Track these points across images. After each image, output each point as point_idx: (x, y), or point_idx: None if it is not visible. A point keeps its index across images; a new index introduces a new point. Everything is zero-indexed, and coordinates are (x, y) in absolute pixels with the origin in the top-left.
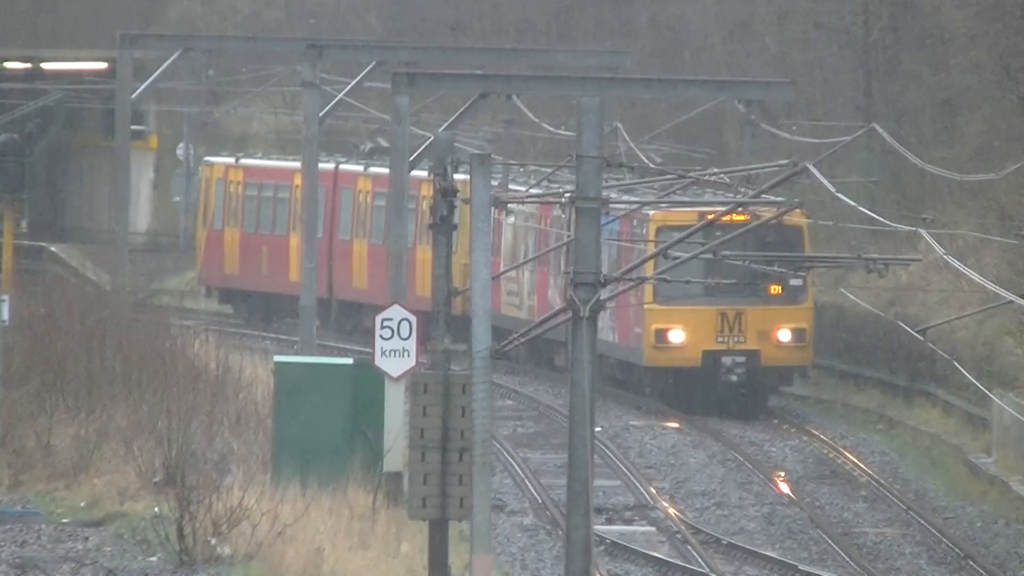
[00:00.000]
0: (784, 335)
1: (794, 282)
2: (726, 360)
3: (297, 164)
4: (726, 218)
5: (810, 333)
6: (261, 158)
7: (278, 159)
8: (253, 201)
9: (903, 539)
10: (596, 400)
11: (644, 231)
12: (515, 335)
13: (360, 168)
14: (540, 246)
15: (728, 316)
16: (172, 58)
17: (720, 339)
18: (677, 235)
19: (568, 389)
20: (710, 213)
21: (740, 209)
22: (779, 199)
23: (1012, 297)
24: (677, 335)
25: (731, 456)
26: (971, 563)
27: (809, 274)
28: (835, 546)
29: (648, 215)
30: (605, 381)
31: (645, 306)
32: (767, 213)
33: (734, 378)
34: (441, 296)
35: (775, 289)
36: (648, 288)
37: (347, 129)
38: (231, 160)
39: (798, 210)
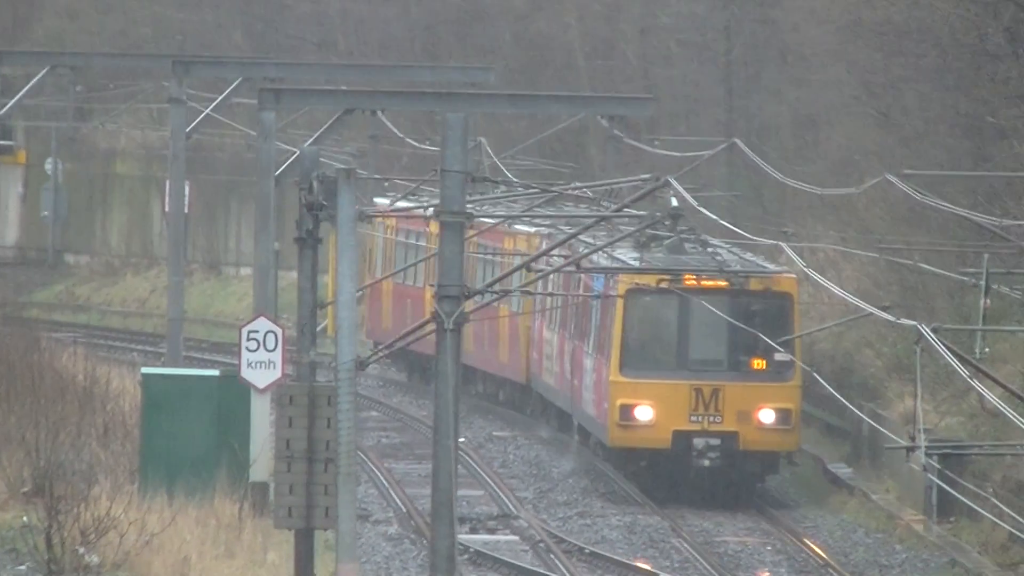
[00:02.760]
0: (767, 416)
1: (779, 357)
2: (699, 442)
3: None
4: (708, 283)
5: (796, 414)
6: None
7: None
8: (401, 249)
9: (764, 547)
10: (461, 412)
11: (614, 290)
12: (381, 347)
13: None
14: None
15: (703, 392)
16: (40, 75)
17: (693, 418)
18: (649, 299)
19: (432, 400)
20: (688, 276)
21: (722, 275)
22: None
23: (872, 309)
24: (645, 412)
25: (593, 467)
26: (831, 571)
27: (797, 351)
28: (696, 554)
29: (620, 276)
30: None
31: (610, 379)
32: (755, 279)
33: (707, 463)
34: (306, 309)
35: (758, 364)
36: (615, 359)
37: (214, 144)
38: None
39: (789, 276)
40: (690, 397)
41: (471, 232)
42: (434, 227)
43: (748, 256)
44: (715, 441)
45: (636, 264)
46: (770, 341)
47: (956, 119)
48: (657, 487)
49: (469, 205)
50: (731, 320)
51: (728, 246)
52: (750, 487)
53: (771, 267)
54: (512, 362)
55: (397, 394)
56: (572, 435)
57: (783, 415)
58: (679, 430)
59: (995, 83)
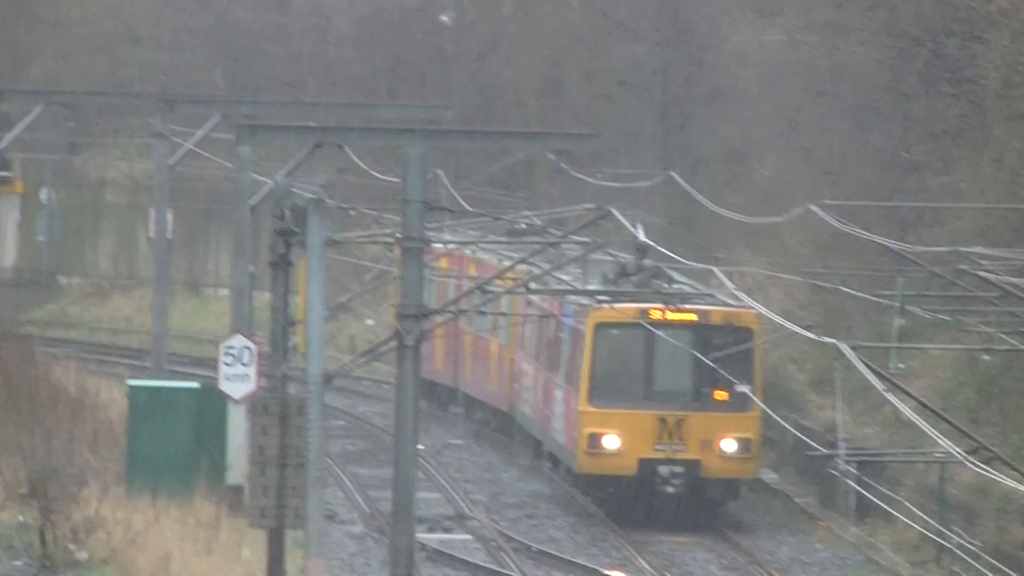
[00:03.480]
0: (728, 445)
1: (740, 388)
2: (663, 470)
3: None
4: (672, 315)
5: (756, 444)
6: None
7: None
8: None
9: (696, 546)
10: (420, 421)
11: (583, 324)
12: (350, 359)
13: (441, 246)
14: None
15: (668, 422)
16: (36, 111)
17: (658, 447)
18: (616, 332)
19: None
20: (653, 310)
21: (684, 306)
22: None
23: (796, 328)
24: (612, 441)
25: (541, 472)
26: (757, 569)
27: (757, 383)
28: (635, 553)
29: (589, 310)
30: (555, 477)
31: (579, 408)
32: (716, 313)
33: (671, 489)
34: (278, 327)
35: (720, 395)
36: (583, 390)
37: (195, 175)
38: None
39: (750, 311)
40: (655, 426)
41: (444, 262)
42: (444, 263)
43: (711, 292)
44: (679, 468)
45: (606, 299)
46: (727, 375)
47: (873, 154)
48: (623, 512)
49: (437, 233)
50: (696, 353)
51: (692, 283)
52: (712, 512)
53: (732, 303)
54: (499, 391)
55: (362, 404)
56: (544, 462)
57: (744, 444)
58: (645, 458)
59: (908, 121)
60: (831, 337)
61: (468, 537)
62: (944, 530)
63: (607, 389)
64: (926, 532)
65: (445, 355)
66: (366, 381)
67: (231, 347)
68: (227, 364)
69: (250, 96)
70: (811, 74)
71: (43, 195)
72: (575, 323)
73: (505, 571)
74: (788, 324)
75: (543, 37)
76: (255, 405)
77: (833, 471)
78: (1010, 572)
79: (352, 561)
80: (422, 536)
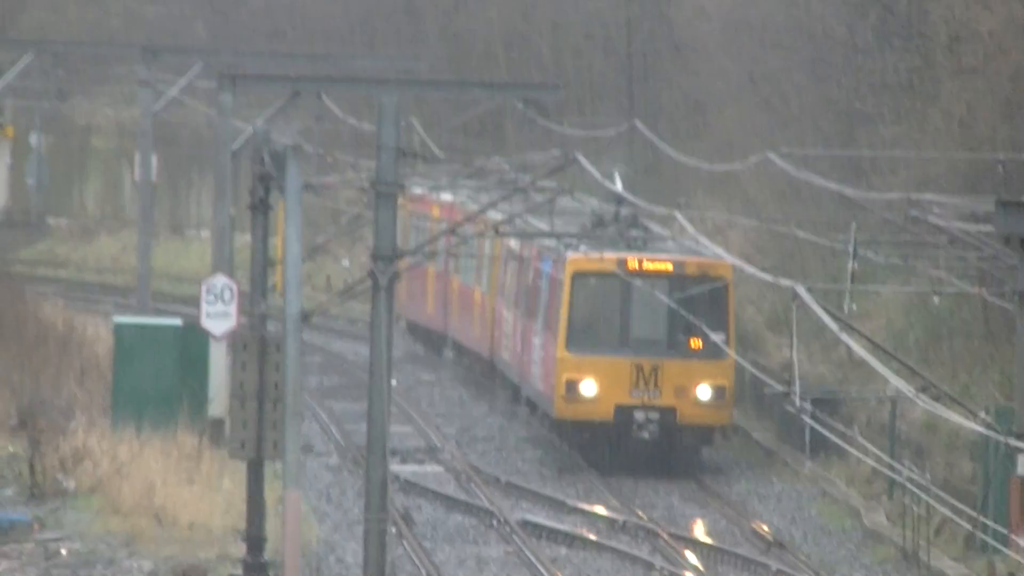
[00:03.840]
0: (703, 392)
1: (715, 337)
2: (639, 416)
3: (442, 196)
4: (648, 265)
5: (730, 391)
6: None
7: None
8: (413, 232)
9: (658, 479)
10: (413, 365)
11: (561, 273)
12: (327, 298)
13: (430, 193)
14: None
15: (644, 369)
16: (25, 60)
17: (635, 393)
18: (593, 281)
19: (369, 348)
20: (630, 259)
21: (664, 258)
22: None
23: (753, 271)
24: (589, 387)
25: (509, 408)
26: (717, 499)
27: (731, 331)
28: (600, 485)
29: (566, 258)
30: (532, 421)
31: (557, 355)
32: (692, 264)
33: (646, 435)
34: (258, 267)
35: (695, 343)
36: (561, 337)
37: (178, 122)
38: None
39: (723, 261)
40: (631, 373)
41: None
42: (435, 210)
43: (687, 243)
44: (654, 415)
45: (585, 248)
46: (699, 326)
47: (828, 105)
48: (600, 457)
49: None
50: (670, 303)
51: (670, 234)
52: (687, 459)
53: (708, 254)
54: (481, 338)
55: (337, 342)
56: (522, 406)
57: (718, 391)
58: (621, 404)
59: (862, 74)
60: (788, 279)
61: (439, 469)
62: (895, 464)
63: (584, 337)
64: (878, 467)
65: (435, 303)
66: (341, 320)
67: (212, 286)
68: (208, 303)
69: (231, 46)
70: (769, 28)
71: (33, 140)
72: (553, 272)
73: (475, 501)
74: (746, 266)
75: None
76: (235, 342)
77: (789, 408)
78: (958, 504)
79: (328, 491)
80: (395, 468)
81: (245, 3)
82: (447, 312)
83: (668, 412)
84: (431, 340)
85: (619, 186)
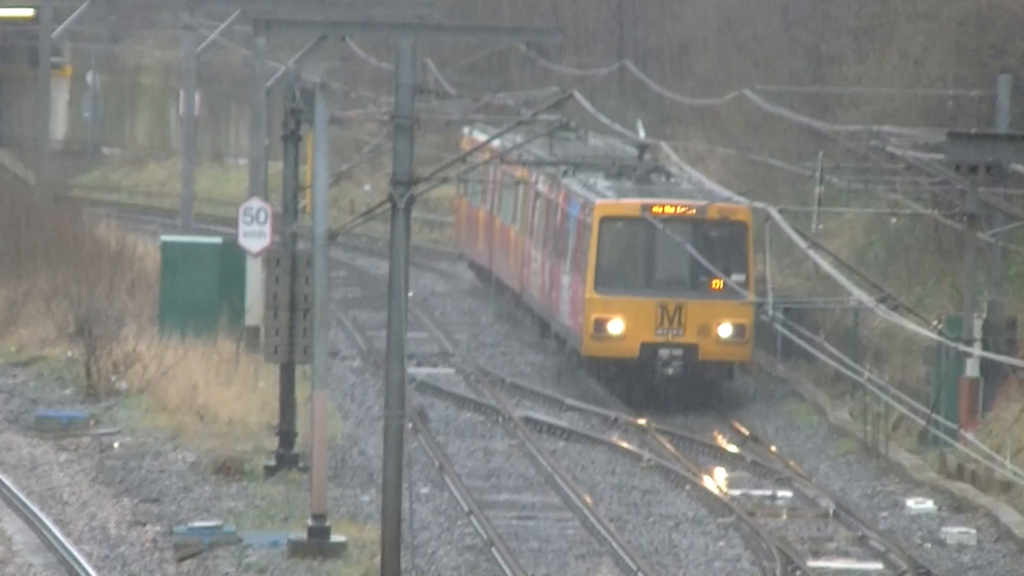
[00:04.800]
0: (724, 330)
1: (736, 278)
2: (664, 353)
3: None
4: (671, 210)
5: (750, 329)
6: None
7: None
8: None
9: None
10: (411, 275)
11: (589, 217)
12: (350, 219)
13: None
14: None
15: (668, 309)
16: (83, 7)
17: (659, 332)
18: (620, 225)
19: (388, 263)
20: (655, 206)
21: (687, 203)
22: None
23: (731, 194)
24: (616, 326)
25: (514, 316)
26: (699, 399)
27: (750, 273)
28: (595, 385)
29: (594, 203)
30: (560, 353)
31: (586, 296)
32: (714, 209)
33: (670, 371)
34: (289, 192)
35: (717, 284)
36: (590, 278)
37: (218, 62)
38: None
39: (743, 207)
40: (656, 313)
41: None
42: (522, 172)
43: (707, 186)
44: (678, 352)
45: (610, 193)
46: (712, 271)
47: (798, 46)
48: (626, 392)
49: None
50: (692, 247)
51: (688, 176)
52: (708, 392)
53: (729, 198)
54: (513, 275)
55: (360, 258)
56: (550, 340)
57: (739, 329)
58: (646, 342)
59: (828, 19)
60: (762, 202)
61: (451, 371)
62: (856, 367)
63: (611, 278)
64: (842, 369)
65: (483, 240)
66: (364, 238)
67: (249, 208)
68: (245, 223)
69: None
70: None
71: (88, 78)
72: (581, 215)
73: (483, 400)
74: (725, 191)
75: None
76: (269, 258)
77: (763, 317)
78: (913, 402)
79: (352, 391)
80: (412, 370)
81: None
82: (491, 250)
83: (691, 349)
84: (483, 275)
85: (642, 134)
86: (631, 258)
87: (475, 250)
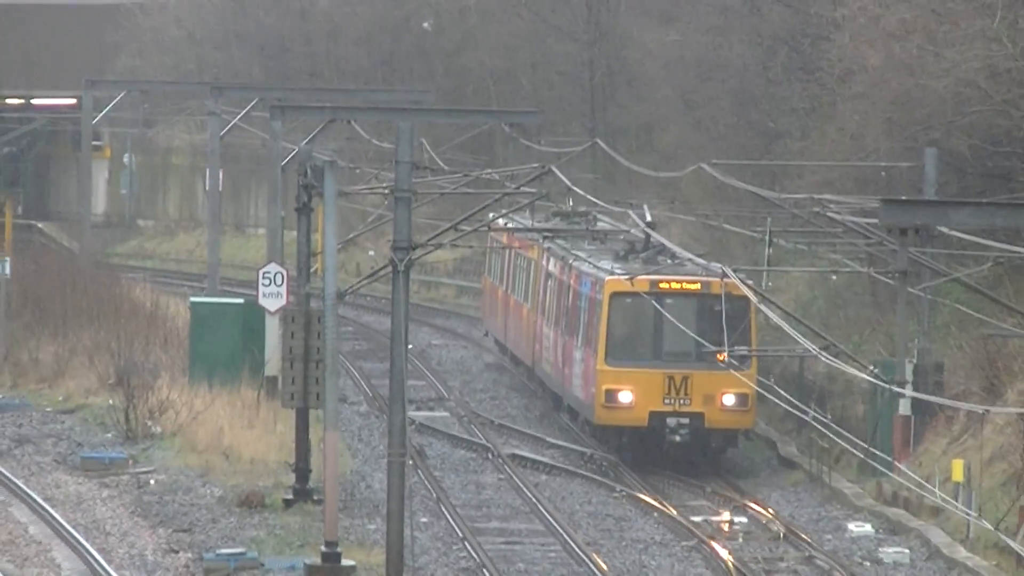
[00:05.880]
0: (728, 399)
1: (739, 350)
2: (671, 421)
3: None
4: (678, 286)
5: (752, 398)
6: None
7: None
8: (514, 267)
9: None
10: (410, 329)
11: (600, 295)
12: (356, 282)
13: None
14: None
15: (675, 380)
16: (119, 96)
17: (667, 401)
18: (629, 300)
19: (390, 319)
20: (662, 282)
21: (692, 279)
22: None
23: (690, 256)
24: (626, 396)
25: (500, 365)
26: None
27: (753, 344)
28: (573, 427)
29: (604, 280)
30: (571, 425)
31: (597, 367)
32: (717, 284)
33: (678, 438)
34: (302, 257)
35: (721, 356)
36: (601, 350)
37: (239, 143)
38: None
39: (747, 281)
40: (664, 383)
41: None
42: (534, 252)
43: (712, 266)
44: (685, 420)
45: (620, 272)
46: (707, 345)
47: (748, 125)
48: (635, 458)
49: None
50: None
51: (692, 256)
52: (714, 459)
53: (690, 258)
54: (526, 350)
55: (365, 315)
56: (562, 413)
57: (742, 398)
58: (655, 411)
59: (775, 100)
60: (718, 262)
61: (446, 414)
62: (803, 407)
63: (621, 350)
64: (790, 409)
65: (501, 318)
66: (368, 298)
67: (267, 272)
68: (264, 285)
69: (280, 83)
70: (701, 65)
71: (125, 159)
72: (592, 292)
73: (475, 439)
74: (684, 253)
75: (500, 39)
76: (286, 315)
77: (720, 364)
78: (852, 437)
79: (359, 432)
80: (412, 413)
81: (290, 50)
82: (507, 327)
83: (697, 417)
84: (504, 350)
85: (648, 217)
86: (640, 332)
87: (496, 327)
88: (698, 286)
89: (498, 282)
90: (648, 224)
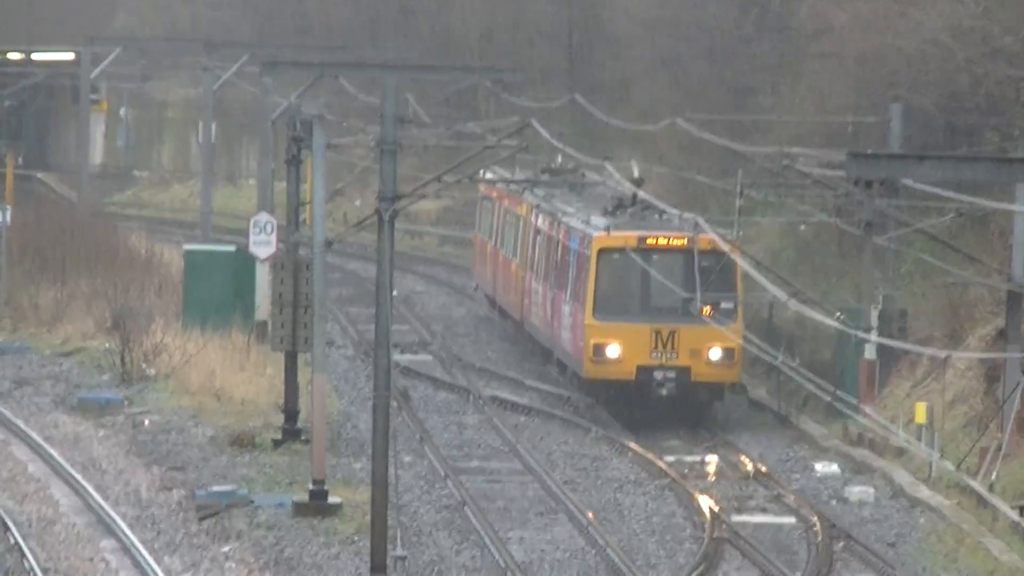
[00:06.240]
0: (715, 353)
1: (725, 304)
2: (658, 375)
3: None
4: (665, 242)
5: (739, 352)
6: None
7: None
8: (503, 222)
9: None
10: (394, 281)
11: (588, 249)
12: (344, 230)
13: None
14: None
15: (662, 334)
16: (116, 52)
17: (654, 355)
18: (616, 256)
19: (376, 266)
20: (649, 238)
21: (679, 235)
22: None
23: (666, 207)
24: (614, 350)
25: (481, 311)
26: None
27: (739, 298)
28: (552, 369)
29: (592, 236)
30: (561, 379)
31: (585, 322)
32: (703, 240)
33: (664, 392)
34: (292, 207)
35: (707, 311)
36: (589, 305)
37: (232, 97)
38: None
39: (732, 240)
40: (651, 337)
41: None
42: (523, 209)
43: (686, 216)
44: (671, 374)
45: (608, 228)
46: (690, 298)
47: (721, 81)
48: (623, 411)
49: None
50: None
51: (679, 213)
52: (700, 412)
53: (665, 210)
54: (515, 304)
55: (352, 262)
56: (552, 366)
57: (728, 352)
58: (642, 365)
59: (746, 57)
60: (691, 213)
61: (429, 358)
62: (772, 352)
63: (609, 305)
64: (760, 354)
65: (491, 273)
66: (355, 246)
67: (258, 221)
68: (255, 234)
69: (271, 41)
70: (676, 24)
71: (122, 112)
72: (580, 248)
73: (456, 382)
74: (660, 204)
75: None
76: (275, 263)
77: (692, 310)
78: (820, 381)
79: (345, 375)
80: (396, 357)
81: (281, 8)
82: (495, 281)
83: (683, 371)
84: (493, 304)
85: (636, 174)
86: (627, 287)
87: (486, 282)
88: (684, 242)
89: (488, 238)
90: (636, 180)
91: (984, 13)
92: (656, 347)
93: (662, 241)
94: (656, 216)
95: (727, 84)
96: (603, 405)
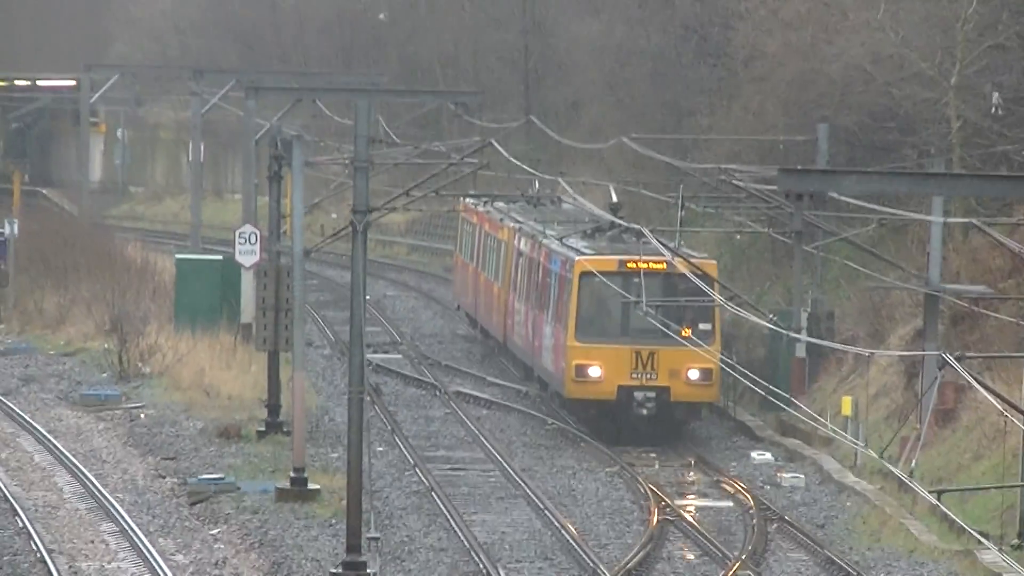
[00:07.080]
0: (693, 374)
1: (703, 326)
2: (638, 395)
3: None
4: (644, 266)
5: (716, 373)
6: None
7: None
8: (483, 244)
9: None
10: (367, 286)
11: (570, 273)
12: (321, 240)
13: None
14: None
15: (642, 355)
16: (113, 78)
17: (634, 375)
18: (598, 279)
19: (350, 273)
20: (629, 262)
21: (659, 259)
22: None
23: (611, 218)
24: (595, 370)
25: (448, 314)
26: None
27: (716, 321)
28: (510, 366)
29: (574, 260)
30: (543, 397)
31: (567, 344)
32: (682, 264)
33: (645, 411)
34: (273, 219)
35: (686, 332)
36: (571, 327)
37: (218, 120)
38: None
39: (710, 262)
40: (632, 358)
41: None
42: (505, 233)
43: (673, 246)
44: (651, 394)
45: (589, 251)
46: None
47: (663, 103)
48: (604, 430)
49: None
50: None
51: (657, 237)
52: (679, 430)
53: (695, 255)
54: (497, 325)
55: (328, 270)
56: (533, 384)
57: (705, 373)
58: (623, 385)
59: (687, 81)
60: (636, 224)
61: (399, 356)
62: (711, 350)
63: (590, 327)
64: (699, 352)
65: (472, 293)
66: (331, 255)
67: (243, 232)
68: (240, 244)
69: (253, 68)
70: (622, 51)
71: (118, 133)
72: (562, 271)
73: (424, 378)
74: (605, 215)
75: (445, 28)
76: (259, 270)
77: (638, 312)
78: (755, 377)
79: (323, 372)
80: (369, 355)
81: (263, 38)
82: (477, 301)
83: (663, 391)
84: (474, 323)
85: (614, 198)
86: (608, 309)
87: (467, 302)
88: (663, 266)
89: (469, 260)
90: (613, 205)
91: (902, 42)
92: (636, 367)
93: (642, 265)
94: (635, 239)
95: (669, 106)
96: (584, 424)
